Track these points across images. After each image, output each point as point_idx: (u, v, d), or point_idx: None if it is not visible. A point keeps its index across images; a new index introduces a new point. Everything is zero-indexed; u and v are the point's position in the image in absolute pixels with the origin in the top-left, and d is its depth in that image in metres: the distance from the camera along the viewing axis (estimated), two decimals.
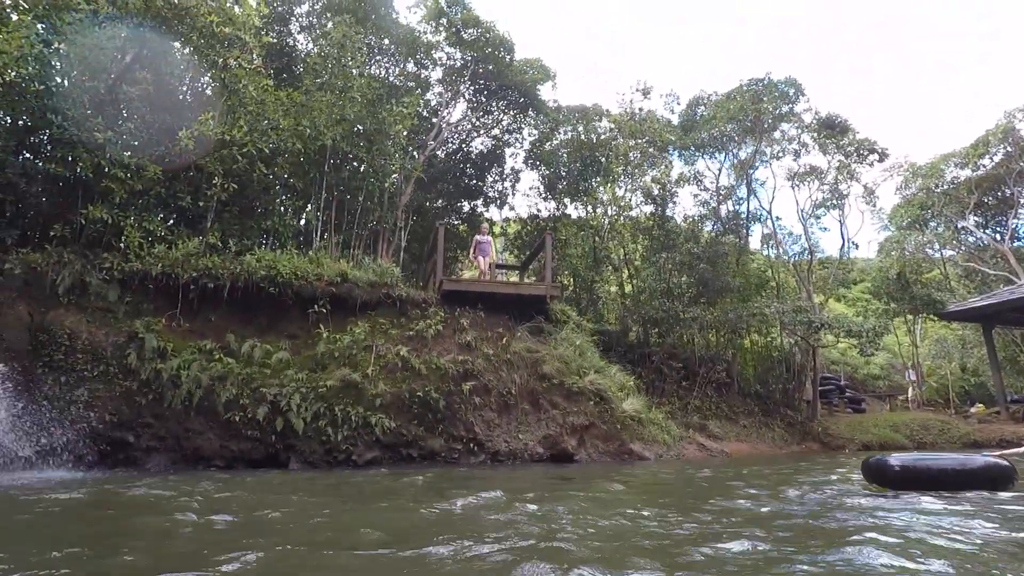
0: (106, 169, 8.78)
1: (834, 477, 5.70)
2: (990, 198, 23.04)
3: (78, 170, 8.65)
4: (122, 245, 8.99)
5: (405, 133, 12.24)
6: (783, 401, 14.67)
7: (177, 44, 10.27)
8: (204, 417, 8.09)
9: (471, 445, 8.77)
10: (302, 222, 12.24)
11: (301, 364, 8.79)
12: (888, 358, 25.27)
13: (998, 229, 23.61)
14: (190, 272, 8.78)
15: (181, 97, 10.59)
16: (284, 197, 11.69)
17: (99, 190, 8.80)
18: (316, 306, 9.32)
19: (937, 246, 24.03)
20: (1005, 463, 4.35)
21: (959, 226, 23.71)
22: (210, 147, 9.47)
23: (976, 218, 23.56)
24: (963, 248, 24.33)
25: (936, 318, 19.26)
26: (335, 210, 11.55)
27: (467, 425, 8.86)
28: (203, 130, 9.24)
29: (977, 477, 4.17)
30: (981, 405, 19.02)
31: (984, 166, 22.27)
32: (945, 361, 24.42)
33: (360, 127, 11.80)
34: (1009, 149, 21.51)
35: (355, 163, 12.25)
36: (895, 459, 4.43)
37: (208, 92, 11.38)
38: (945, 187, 22.89)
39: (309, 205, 11.81)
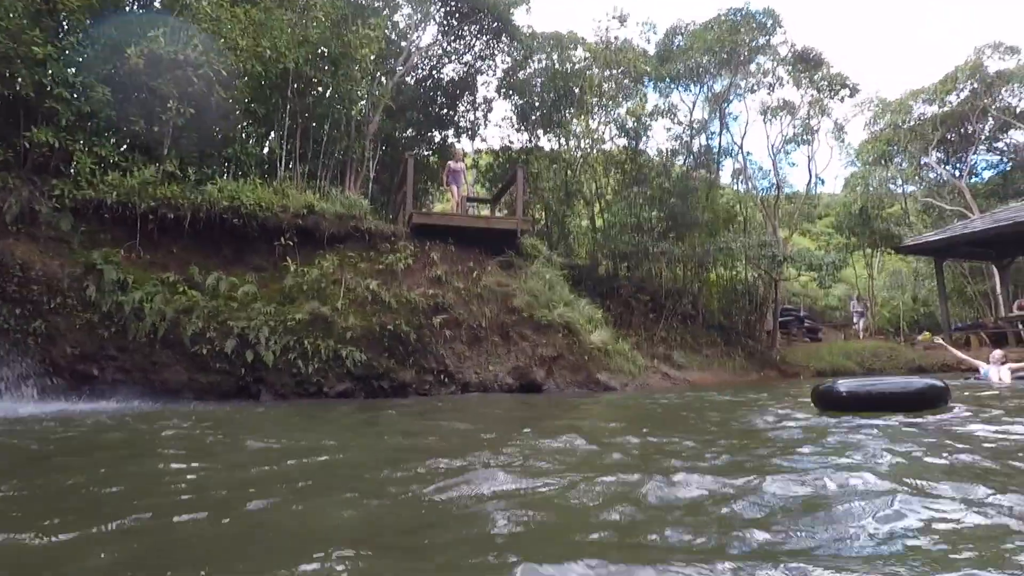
0: (49, 88, 8.21)
1: (785, 405, 6.01)
2: (953, 135, 23.42)
3: (17, 87, 8.07)
4: (72, 171, 8.55)
5: (372, 57, 11.66)
6: (745, 332, 15.23)
7: None
8: (171, 350, 8.01)
9: (442, 376, 8.94)
10: (265, 151, 11.76)
11: (269, 297, 8.69)
12: (846, 290, 26.24)
13: (958, 165, 24.18)
14: (147, 201, 8.44)
15: (128, 10, 9.82)
16: (245, 124, 11.15)
17: (43, 111, 8.25)
18: (283, 238, 9.12)
19: (900, 181, 24.53)
20: (941, 384, 4.70)
21: (922, 162, 24.19)
22: (162, 67, 8.90)
23: (938, 154, 24.04)
24: (924, 184, 24.93)
25: (893, 251, 19.92)
26: (300, 139, 11.10)
27: (438, 357, 8.99)
28: (154, 48, 8.65)
29: (916, 398, 4.49)
30: (927, 333, 20.09)
31: (951, 103, 22.48)
32: (899, 292, 25.52)
33: (324, 50, 11.16)
34: (975, 86, 21.69)
35: (320, 89, 11.68)
36: (842, 384, 4.73)
37: (157, 5, 10.60)
38: (912, 123, 23.14)
39: (272, 133, 11.31)
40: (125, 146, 9.61)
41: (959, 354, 9.06)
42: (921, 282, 24.62)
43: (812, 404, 4.97)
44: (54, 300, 7.73)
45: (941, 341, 9.04)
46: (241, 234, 9.05)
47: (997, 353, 8.96)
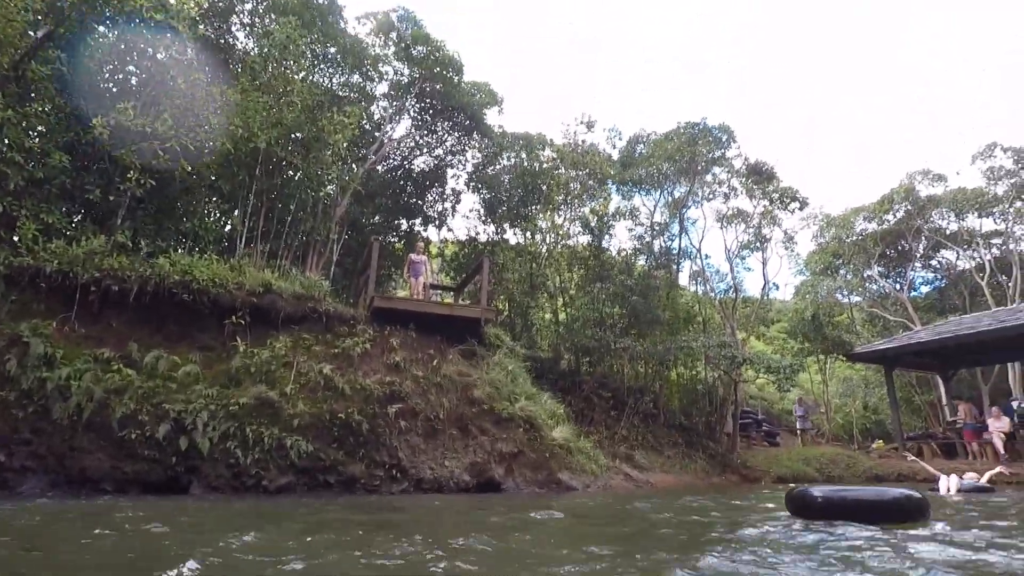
0: (3, 152, 7.92)
1: (759, 514, 5.73)
2: (892, 251, 25.04)
3: None
4: (15, 238, 8.08)
5: (345, 144, 11.83)
6: (706, 433, 15.03)
7: (101, 28, 9.54)
8: (95, 434, 7.24)
9: (394, 472, 8.32)
10: (227, 228, 11.50)
11: (213, 379, 8.11)
12: (800, 394, 26.61)
13: (898, 279, 25.66)
14: (91, 272, 7.97)
15: (101, 84, 9.79)
16: (209, 199, 10.97)
17: None
18: (235, 317, 8.67)
19: (846, 292, 25.78)
20: (918, 495, 4.54)
21: (865, 274, 25.59)
22: (128, 139, 8.75)
23: (880, 268, 25.52)
24: (868, 295, 26.24)
25: (844, 358, 20.46)
26: (264, 217, 10.93)
27: (391, 450, 8.42)
28: (121, 120, 8.53)
29: (893, 508, 4.33)
30: (880, 441, 20.28)
31: (888, 221, 24.24)
32: (850, 399, 26.02)
33: (298, 134, 11.31)
34: (909, 207, 23.53)
35: (289, 171, 11.69)
36: (817, 491, 4.56)
37: (133, 81, 10.63)
38: (855, 238, 24.70)
39: (236, 210, 11.12)
40: (78, 216, 9.26)
41: (927, 466, 9.08)
42: (871, 390, 25.23)
43: (785, 508, 4.76)
44: None
45: (913, 457, 8.94)
46: (191, 311, 8.58)
47: (969, 476, 9.04)
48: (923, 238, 24.15)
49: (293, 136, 11.23)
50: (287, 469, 7.75)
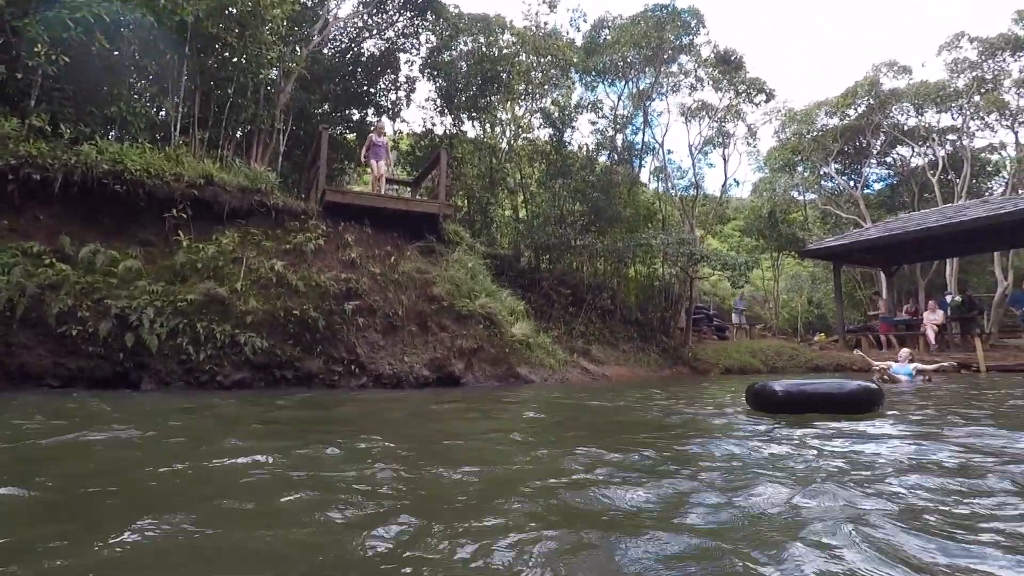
0: None
1: (712, 407, 5.96)
2: (850, 147, 25.24)
3: None
4: None
5: (285, 21, 10.76)
6: (660, 328, 15.52)
7: None
8: (31, 331, 6.92)
9: (352, 367, 8.33)
10: (160, 114, 10.55)
11: (156, 275, 7.75)
12: (751, 290, 27.69)
13: (853, 176, 26.09)
14: (7, 159, 7.26)
15: None
16: (136, 81, 9.95)
17: None
18: (175, 210, 8.16)
19: (802, 189, 26.18)
20: (875, 387, 4.69)
21: (822, 171, 25.90)
22: (30, 6, 7.69)
23: (836, 165, 25.83)
24: (823, 193, 26.72)
25: (796, 256, 21.12)
26: (200, 103, 10.05)
27: (349, 346, 8.38)
28: None
29: (849, 401, 4.43)
30: (822, 334, 21.53)
31: (849, 116, 24.22)
32: (797, 295, 27.25)
33: (231, 8, 10.16)
34: (872, 102, 23.45)
35: (225, 52, 10.63)
36: (778, 385, 4.61)
37: None
38: (815, 134, 24.71)
39: (171, 95, 10.17)
40: None
41: (873, 362, 9.53)
42: (817, 285, 26.39)
43: (745, 403, 4.87)
44: None
45: (863, 354, 9.22)
46: (125, 203, 8.01)
47: (904, 352, 9.54)
48: (881, 134, 24.34)
49: (226, 11, 10.10)
50: (242, 365, 7.65)
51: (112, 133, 9.19)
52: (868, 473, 2.40)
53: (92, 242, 7.63)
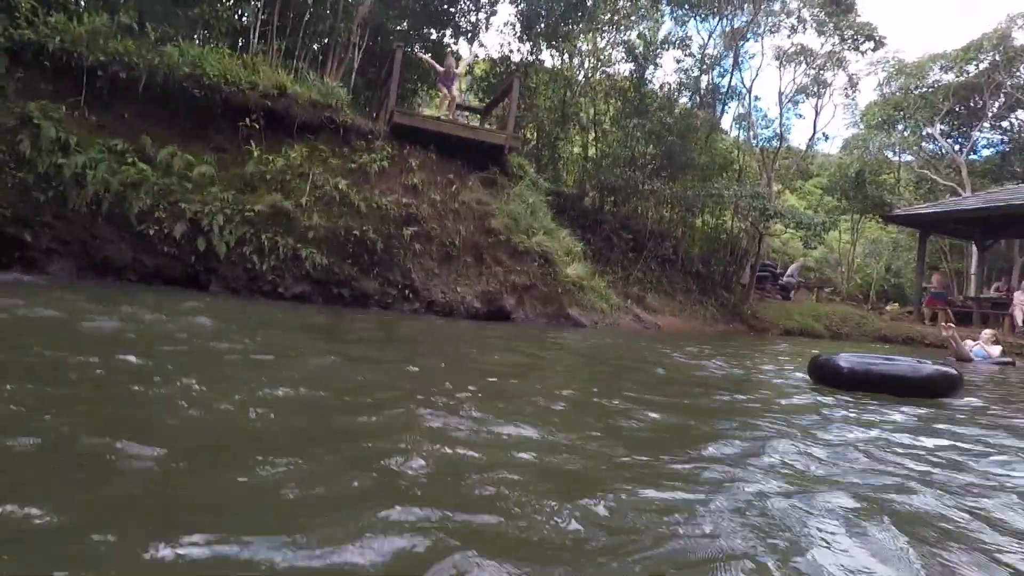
0: None
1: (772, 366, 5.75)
2: (962, 107, 22.80)
3: None
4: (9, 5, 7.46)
5: None
6: (721, 283, 15.03)
7: None
8: (114, 225, 7.35)
9: (406, 292, 8.50)
10: (241, 20, 10.56)
11: (227, 182, 7.99)
12: (824, 252, 26.25)
13: (960, 140, 23.71)
14: (97, 54, 7.47)
15: None
16: None
17: None
18: (248, 119, 8.28)
19: (899, 149, 24.03)
20: (953, 371, 4.33)
21: (925, 132, 23.62)
22: None
23: (943, 126, 23.46)
24: (922, 154, 24.48)
25: (880, 220, 19.70)
26: (279, 11, 9.97)
27: (404, 271, 8.51)
28: None
29: (925, 385, 4.10)
30: (896, 304, 20.34)
31: (968, 72, 21.71)
32: (874, 260, 25.63)
33: None
34: (997, 58, 20.88)
35: None
36: (844, 360, 4.28)
37: None
38: (924, 90, 22.39)
39: (251, 0, 10.11)
40: None
41: (956, 343, 8.74)
42: (898, 253, 24.70)
43: (807, 375, 4.59)
44: None
45: (951, 331, 8.29)
46: (202, 108, 8.17)
47: (987, 333, 8.89)
48: (1002, 95, 21.77)
49: None
50: (302, 279, 7.93)
51: (195, 35, 9.29)
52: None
53: (170, 144, 7.88)
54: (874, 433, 2.83)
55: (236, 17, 10.13)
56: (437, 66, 11.40)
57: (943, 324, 7.81)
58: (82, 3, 7.91)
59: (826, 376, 4.33)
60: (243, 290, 7.72)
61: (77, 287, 6.48)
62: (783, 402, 3.73)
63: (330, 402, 2.49)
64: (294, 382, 2.63)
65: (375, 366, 3.63)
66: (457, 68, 11.57)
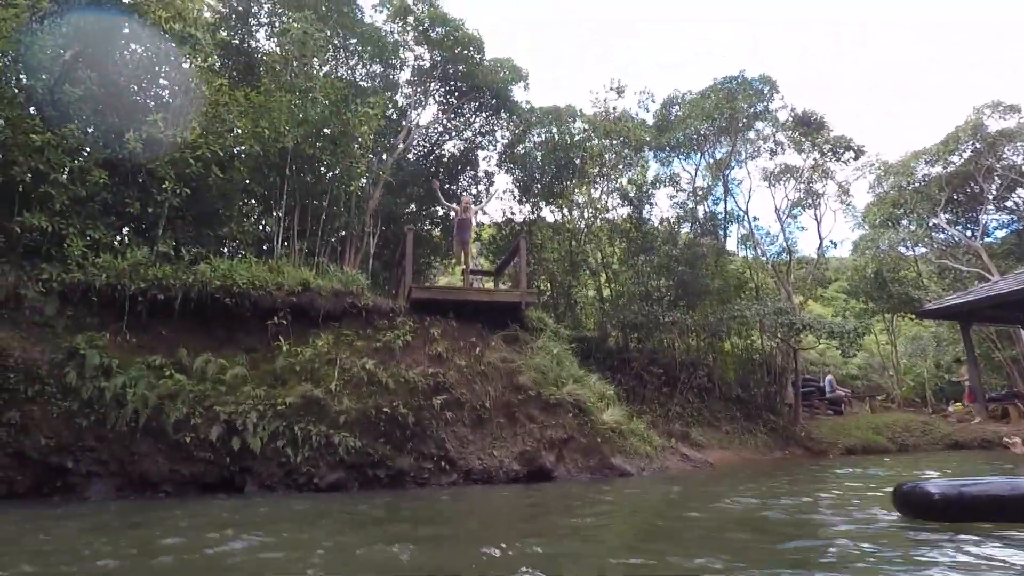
0: (46, 173, 8.17)
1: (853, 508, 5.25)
2: (960, 195, 23.26)
3: (13, 173, 8.02)
4: (64, 256, 8.35)
5: (372, 135, 11.74)
6: (765, 405, 14.43)
7: (133, 45, 9.69)
8: (152, 439, 7.48)
9: (442, 463, 8.27)
10: (264, 229, 11.65)
11: (259, 380, 8.22)
12: (866, 357, 25.34)
13: (969, 226, 23.85)
14: (138, 283, 8.16)
15: (130, 98, 9.97)
16: (243, 203, 11.10)
17: (37, 196, 8.15)
18: (276, 317, 8.75)
19: (910, 244, 24.14)
20: None
21: (931, 223, 23.87)
22: (161, 151, 8.89)
23: (947, 215, 23.75)
24: (935, 245, 24.50)
25: (914, 317, 19.23)
26: (298, 216, 11.00)
27: (438, 442, 8.36)
28: (152, 132, 8.67)
29: None
30: (959, 404, 19.06)
31: (954, 163, 22.47)
32: (920, 359, 24.56)
33: (325, 130, 11.29)
34: (978, 145, 21.72)
35: (320, 168, 11.71)
36: (934, 487, 3.89)
37: (164, 93, 10.80)
38: (916, 184, 23.04)
39: (271, 211, 11.22)
40: (122, 229, 9.51)
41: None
42: (943, 348, 23.75)
43: (894, 508, 4.16)
44: (32, 388, 7.28)
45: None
46: (233, 314, 8.69)
47: None
48: (995, 178, 22.29)
49: (320, 132, 11.21)
50: (336, 465, 7.80)
51: (224, 250, 10.17)
52: None
53: (205, 351, 8.27)
54: None
55: (259, 228, 11.17)
56: (454, 209, 11.68)
57: (1013, 441, 7.04)
58: (127, 240, 8.80)
59: (916, 506, 3.92)
60: (278, 486, 7.59)
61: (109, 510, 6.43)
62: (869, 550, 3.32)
63: None
64: None
65: None
66: (468, 215, 11.45)
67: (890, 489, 4.37)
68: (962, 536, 3.33)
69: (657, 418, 11.80)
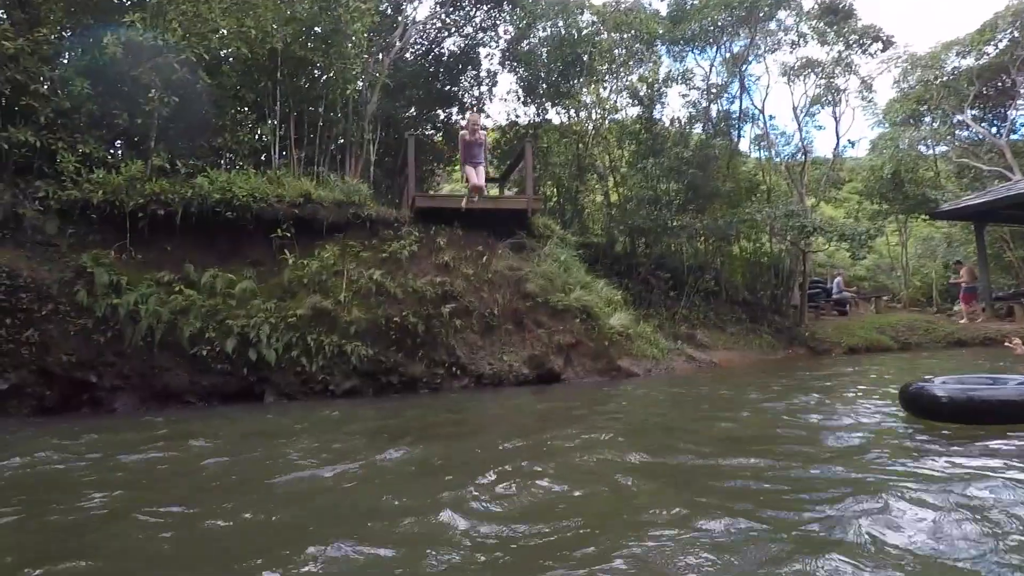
0: (24, 84, 7.79)
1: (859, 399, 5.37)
2: (990, 88, 22.01)
3: None
4: (56, 171, 8.14)
5: (366, 33, 11.02)
6: (771, 307, 14.52)
7: None
8: (169, 353, 7.66)
9: (453, 369, 8.48)
10: (260, 139, 11.24)
11: (268, 293, 8.28)
12: (874, 259, 25.18)
13: (995, 122, 22.79)
14: (136, 199, 8.01)
15: None
16: (236, 111, 10.64)
17: (20, 109, 7.83)
18: (279, 230, 8.65)
19: (931, 142, 23.20)
20: None
21: (956, 120, 22.81)
22: (143, 55, 8.39)
23: (974, 111, 22.59)
24: (957, 143, 23.56)
25: (928, 218, 18.85)
26: (294, 124, 10.57)
27: (448, 349, 8.52)
28: (131, 35, 8.15)
29: None
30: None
31: (988, 54, 21.02)
32: (929, 260, 24.38)
33: (315, 28, 10.58)
34: (1016, 34, 20.26)
35: (313, 71, 11.09)
36: (940, 389, 3.83)
37: None
38: (945, 78, 21.76)
39: (265, 119, 10.78)
40: (112, 142, 9.21)
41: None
42: (954, 248, 23.44)
43: (900, 407, 4.19)
44: (45, 307, 7.38)
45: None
46: (236, 227, 8.60)
47: None
48: None
49: (311, 31, 10.53)
50: (351, 373, 8.01)
51: (221, 162, 9.89)
52: None
53: (211, 267, 8.27)
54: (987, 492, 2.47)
55: (256, 138, 10.77)
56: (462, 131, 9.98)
57: (1014, 343, 6.95)
58: (120, 154, 8.53)
59: (921, 407, 3.91)
60: (296, 394, 7.85)
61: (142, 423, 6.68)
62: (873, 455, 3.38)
63: None
64: None
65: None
66: (478, 135, 9.87)
67: (888, 389, 4.42)
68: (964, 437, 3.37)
69: (664, 321, 11.92)
